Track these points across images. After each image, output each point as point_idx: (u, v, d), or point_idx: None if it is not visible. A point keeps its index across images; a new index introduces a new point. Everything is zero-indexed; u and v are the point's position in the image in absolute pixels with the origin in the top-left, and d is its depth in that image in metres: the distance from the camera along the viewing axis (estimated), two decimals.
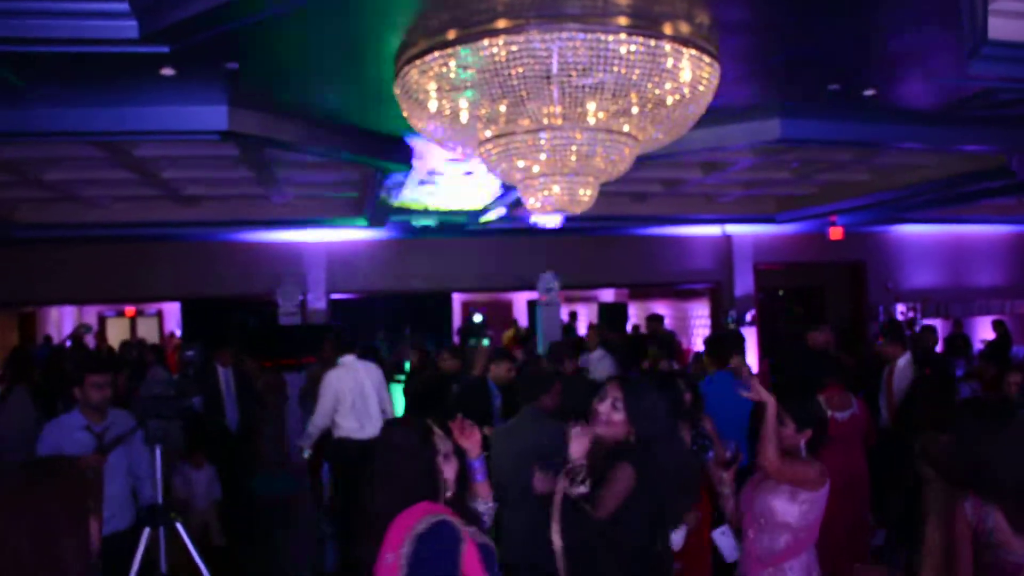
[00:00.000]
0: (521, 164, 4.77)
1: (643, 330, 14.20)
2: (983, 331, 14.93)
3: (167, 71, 4.68)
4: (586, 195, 4.93)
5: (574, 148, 4.59)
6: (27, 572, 1.81)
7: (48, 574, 1.83)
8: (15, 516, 1.85)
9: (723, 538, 4.14)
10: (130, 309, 18.98)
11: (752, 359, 13.28)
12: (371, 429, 7.09)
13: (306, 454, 7.07)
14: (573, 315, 18.01)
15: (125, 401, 8.28)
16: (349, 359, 7.35)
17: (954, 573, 3.18)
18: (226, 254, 13.31)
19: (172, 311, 18.22)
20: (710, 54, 4.35)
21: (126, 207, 10.49)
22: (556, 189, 4.87)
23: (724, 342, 6.52)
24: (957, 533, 3.17)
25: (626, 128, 4.61)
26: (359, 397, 7.16)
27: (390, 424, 3.29)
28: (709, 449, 4.80)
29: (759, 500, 3.71)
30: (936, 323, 14.92)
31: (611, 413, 3.51)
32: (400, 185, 8.96)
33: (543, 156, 4.64)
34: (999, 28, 4.63)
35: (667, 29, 4.07)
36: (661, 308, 17.66)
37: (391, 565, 2.63)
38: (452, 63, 4.25)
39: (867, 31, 4.70)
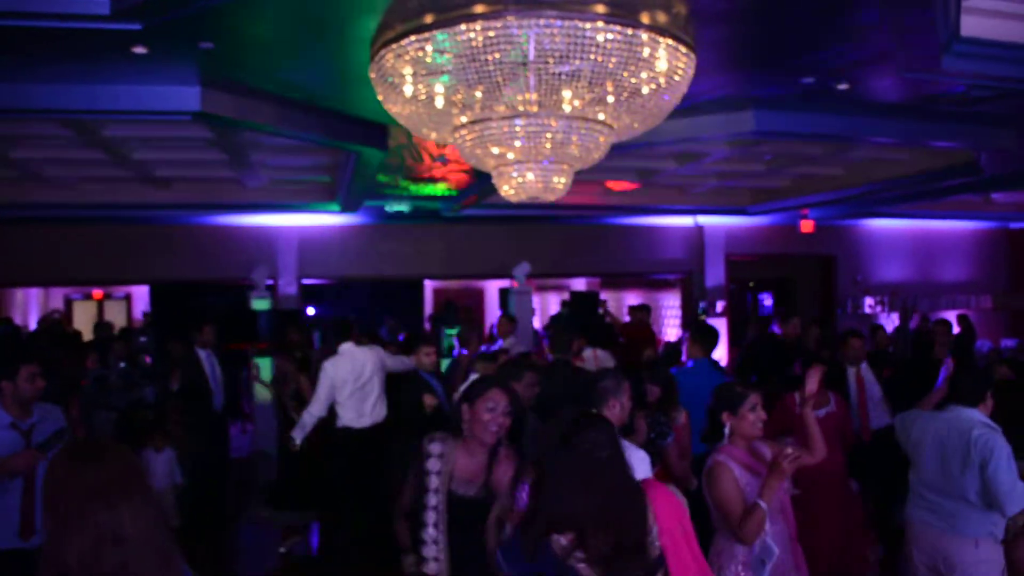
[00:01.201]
0: (496, 151, 4.75)
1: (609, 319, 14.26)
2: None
3: (139, 49, 4.61)
4: (560, 183, 4.93)
5: (549, 135, 4.58)
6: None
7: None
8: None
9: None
10: (98, 292, 18.73)
11: (722, 350, 13.38)
12: (369, 419, 7.07)
13: (297, 442, 6.91)
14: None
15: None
16: (348, 347, 7.21)
17: None
18: (196, 238, 13.19)
19: (141, 295, 18.01)
20: (686, 44, 4.35)
21: (95, 188, 10.35)
22: (530, 176, 4.86)
23: (711, 331, 6.59)
24: None
25: (601, 117, 4.60)
26: (357, 386, 7.04)
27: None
28: (668, 435, 4.83)
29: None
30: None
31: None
32: None
33: (518, 143, 4.62)
34: (972, 26, 4.69)
35: (644, 18, 4.06)
36: (632, 298, 17.73)
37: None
38: (428, 47, 4.23)
39: (841, 25, 4.73)
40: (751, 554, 3.71)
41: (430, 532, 3.44)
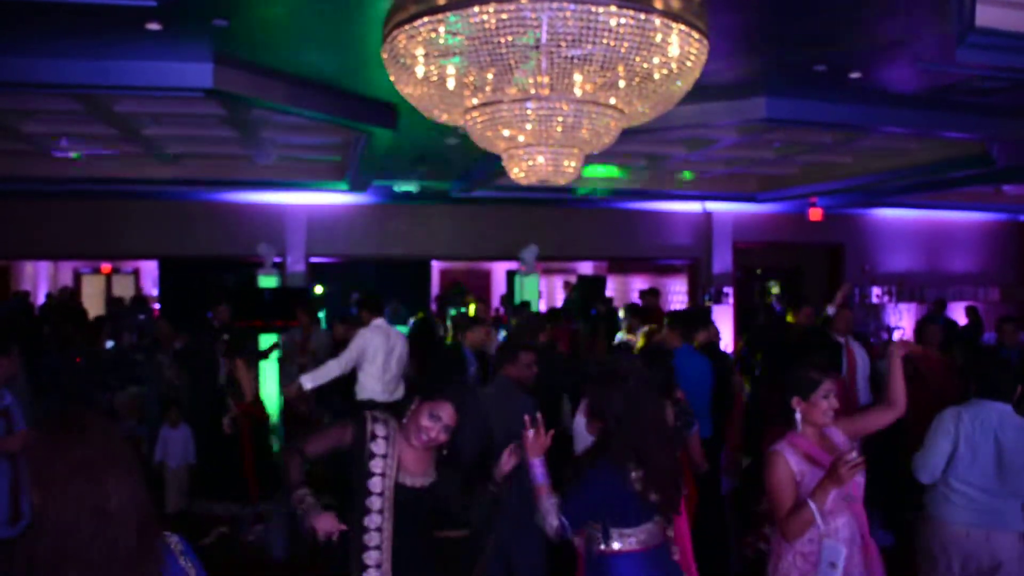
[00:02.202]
0: (506, 133, 4.76)
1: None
2: (956, 317, 15.11)
3: (153, 26, 4.62)
4: (571, 166, 4.94)
5: (560, 119, 4.58)
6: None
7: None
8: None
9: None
10: (106, 266, 18.81)
11: (727, 337, 13.40)
12: (391, 396, 7.07)
13: (308, 386, 6.78)
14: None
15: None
16: (380, 322, 7.23)
17: None
18: (206, 214, 13.25)
19: (149, 269, 18.08)
20: (699, 30, 4.34)
21: (106, 163, 10.37)
22: (540, 160, 4.87)
23: (692, 317, 6.59)
24: None
25: (612, 101, 4.60)
26: (387, 360, 7.06)
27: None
28: (693, 424, 4.84)
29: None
30: (911, 307, 15.15)
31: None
32: None
33: (529, 126, 4.63)
34: (987, 16, 4.66)
35: (657, 3, 4.05)
36: (639, 282, 17.73)
37: None
38: (441, 29, 4.23)
39: (855, 14, 4.71)
40: (817, 554, 3.47)
41: (374, 519, 3.24)
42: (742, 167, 11.56)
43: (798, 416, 3.60)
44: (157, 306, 15.42)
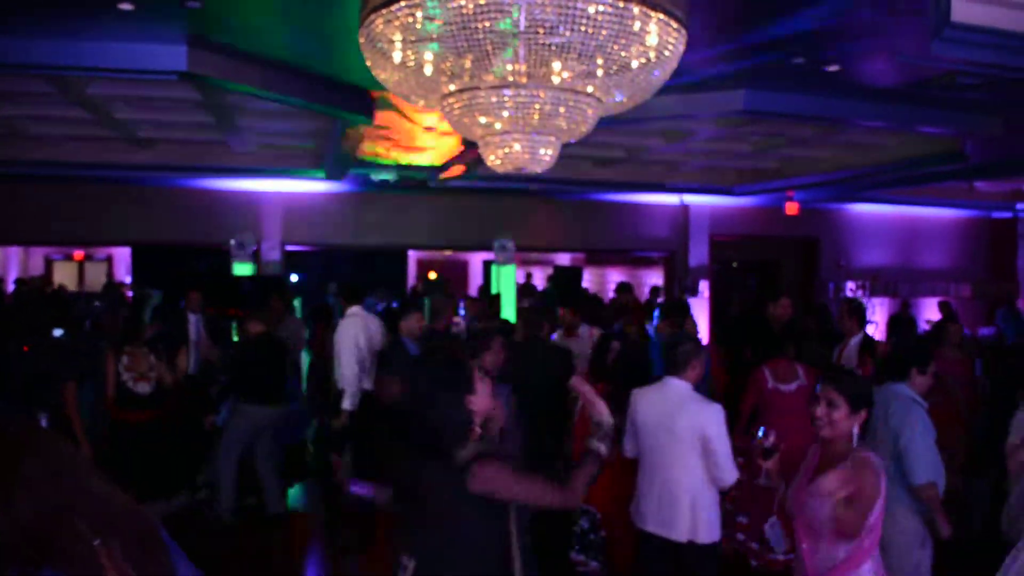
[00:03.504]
0: (483, 120, 4.73)
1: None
2: (928, 312, 15.26)
3: (125, 5, 4.55)
4: (547, 154, 4.92)
5: (537, 107, 4.56)
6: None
7: None
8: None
9: (772, 530, 3.87)
10: (79, 253, 18.60)
11: (703, 328, 13.44)
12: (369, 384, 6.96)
13: (349, 408, 6.67)
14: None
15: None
16: (355, 310, 7.14)
17: None
18: (180, 200, 13.11)
19: (123, 256, 17.90)
20: (678, 19, 4.33)
21: (78, 147, 10.25)
22: (517, 147, 4.85)
23: (679, 307, 6.62)
24: None
25: (590, 90, 4.58)
26: (369, 350, 6.95)
27: None
28: None
29: (811, 504, 3.29)
30: (884, 302, 15.28)
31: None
32: None
33: (506, 113, 4.60)
34: (963, 12, 4.69)
35: None
36: (616, 275, 17.76)
37: None
38: (418, 14, 4.19)
39: (833, 6, 4.72)
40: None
41: None
42: (720, 160, 11.59)
43: None
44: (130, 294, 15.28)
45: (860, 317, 7.02)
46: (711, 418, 4.30)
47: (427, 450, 2.93)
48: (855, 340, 6.84)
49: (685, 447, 4.33)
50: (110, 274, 18.27)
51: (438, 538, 2.92)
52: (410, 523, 3.00)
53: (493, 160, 4.97)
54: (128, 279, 16.76)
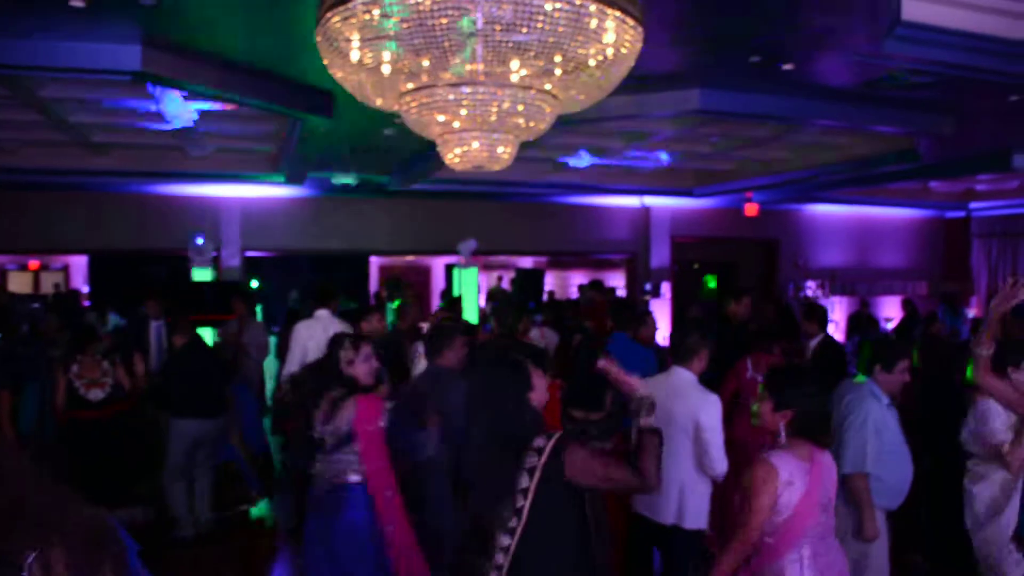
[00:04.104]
0: (441, 118, 4.72)
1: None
2: (886, 310, 15.51)
3: (76, 2, 4.48)
4: (505, 152, 4.92)
5: (495, 106, 4.56)
6: None
7: None
8: None
9: None
10: (34, 263, 18.26)
11: (664, 330, 13.53)
12: None
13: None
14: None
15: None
16: (323, 313, 7.06)
17: None
18: (137, 207, 12.94)
19: (79, 266, 17.60)
20: (634, 17, 4.36)
21: (31, 152, 10.07)
22: (475, 145, 4.85)
23: (630, 307, 6.70)
24: None
25: (548, 87, 4.59)
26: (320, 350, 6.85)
27: None
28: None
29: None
30: (842, 300, 15.49)
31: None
32: None
33: (463, 111, 4.60)
34: (914, 11, 4.77)
35: None
36: (578, 277, 17.82)
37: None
38: (376, 11, 4.17)
39: (786, 4, 4.77)
40: None
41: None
42: (679, 161, 11.66)
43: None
44: (87, 303, 15.05)
45: (820, 319, 7.14)
46: (707, 408, 4.43)
47: (506, 448, 3.07)
48: (815, 341, 6.97)
49: (680, 434, 4.45)
50: (59, 284, 17.95)
51: (531, 532, 3.00)
52: (497, 523, 3.05)
53: (451, 158, 4.97)
54: (85, 288, 16.50)
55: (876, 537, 4.33)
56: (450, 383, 4.61)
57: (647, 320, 6.65)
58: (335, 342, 4.21)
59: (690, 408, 4.45)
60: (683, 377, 4.61)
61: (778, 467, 3.26)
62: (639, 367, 5.63)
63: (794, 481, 3.24)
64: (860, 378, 4.60)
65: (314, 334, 6.81)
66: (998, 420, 4.66)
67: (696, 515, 4.42)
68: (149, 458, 7.20)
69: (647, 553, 4.69)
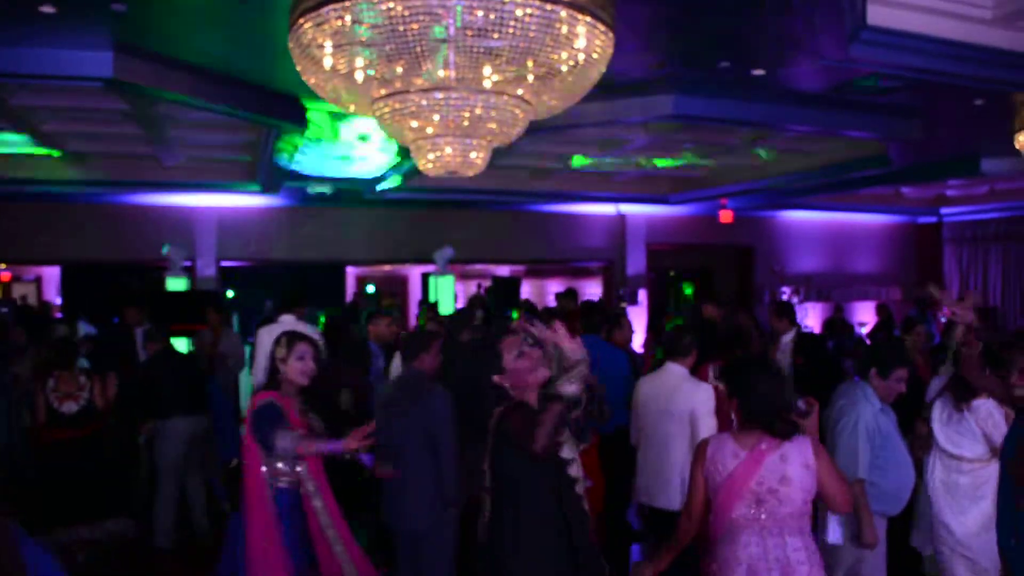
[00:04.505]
0: (414, 124, 4.74)
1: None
2: (860, 315, 15.65)
3: (47, 8, 4.46)
4: (478, 158, 4.94)
5: (467, 112, 4.59)
6: None
7: None
8: None
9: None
10: (5, 274, 18.08)
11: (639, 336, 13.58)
12: None
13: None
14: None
15: None
16: (288, 318, 7.03)
17: None
18: (111, 217, 12.84)
19: (52, 277, 17.45)
20: (605, 23, 4.40)
21: (3, 162, 9.99)
22: (448, 151, 4.87)
23: (600, 310, 6.77)
24: None
25: (520, 92, 4.62)
26: None
27: None
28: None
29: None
30: (817, 306, 15.62)
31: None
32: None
33: (436, 117, 4.62)
34: (879, 16, 4.84)
35: None
36: (555, 286, 17.85)
37: None
38: (347, 17, 4.19)
39: (755, 9, 4.83)
40: None
41: None
42: (654, 169, 11.74)
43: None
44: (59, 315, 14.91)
45: (790, 316, 7.21)
46: (701, 398, 4.81)
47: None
48: (787, 337, 7.03)
49: (678, 424, 4.82)
50: (26, 296, 17.78)
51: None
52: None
53: (425, 164, 4.99)
54: (57, 300, 16.36)
55: (875, 543, 4.30)
56: (425, 387, 4.62)
57: (622, 323, 6.70)
58: (275, 340, 4.17)
59: (685, 398, 4.82)
60: (677, 371, 4.98)
61: (709, 448, 3.38)
62: (611, 368, 5.73)
63: (718, 465, 3.32)
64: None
65: (271, 338, 6.77)
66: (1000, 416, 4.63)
67: None
68: (128, 475, 7.16)
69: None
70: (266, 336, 6.90)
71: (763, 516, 3.29)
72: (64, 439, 6.40)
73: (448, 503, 4.48)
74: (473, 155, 4.94)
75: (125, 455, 7.27)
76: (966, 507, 4.65)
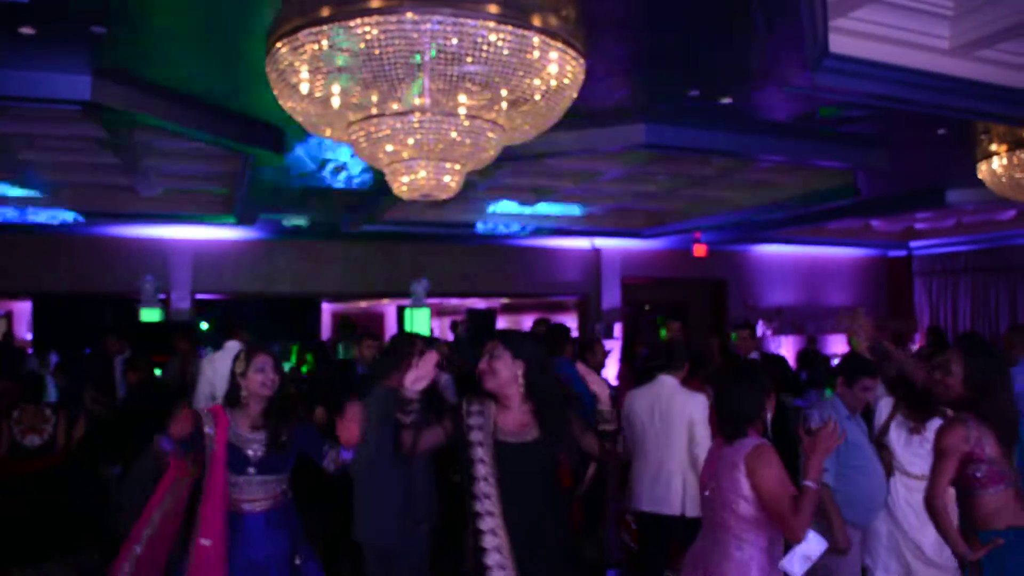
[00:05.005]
0: (389, 148, 4.82)
1: None
2: (833, 347, 15.80)
3: (26, 29, 4.52)
4: (452, 181, 5.02)
5: (442, 134, 4.67)
6: None
7: None
8: None
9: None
10: None
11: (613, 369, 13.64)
12: None
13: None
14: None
15: None
16: (233, 344, 7.05)
17: None
18: (85, 248, 12.79)
19: (23, 312, 17.28)
20: (576, 49, 4.51)
21: None
22: (422, 174, 4.94)
23: (558, 334, 6.95)
24: None
25: (493, 116, 4.72)
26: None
27: None
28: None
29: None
30: (791, 339, 15.76)
31: (491, 363, 3.60)
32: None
33: (411, 141, 4.70)
34: (841, 45, 5.00)
35: (536, 21, 4.21)
36: (531, 320, 17.89)
37: None
38: (324, 42, 4.28)
39: (722, 38, 4.97)
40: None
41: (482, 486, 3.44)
42: (628, 202, 11.88)
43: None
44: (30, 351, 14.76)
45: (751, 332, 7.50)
46: (697, 406, 5.13)
47: None
48: (752, 356, 7.25)
49: (676, 432, 5.11)
50: (10, 331, 17.61)
51: (504, 486, 3.45)
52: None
53: (399, 187, 5.06)
54: (29, 335, 16.20)
55: (848, 547, 4.40)
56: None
57: (595, 348, 6.87)
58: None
59: (683, 408, 5.14)
60: (671, 382, 5.31)
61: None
62: (580, 389, 5.81)
63: None
64: (828, 392, 4.79)
65: (219, 367, 6.80)
66: None
67: (696, 504, 4.69)
68: (98, 508, 7.09)
69: (662, 549, 5.22)
70: (206, 365, 6.94)
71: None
72: (28, 472, 6.37)
73: (419, 519, 4.51)
74: (447, 179, 5.01)
75: (93, 487, 7.19)
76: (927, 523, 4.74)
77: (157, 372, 9.07)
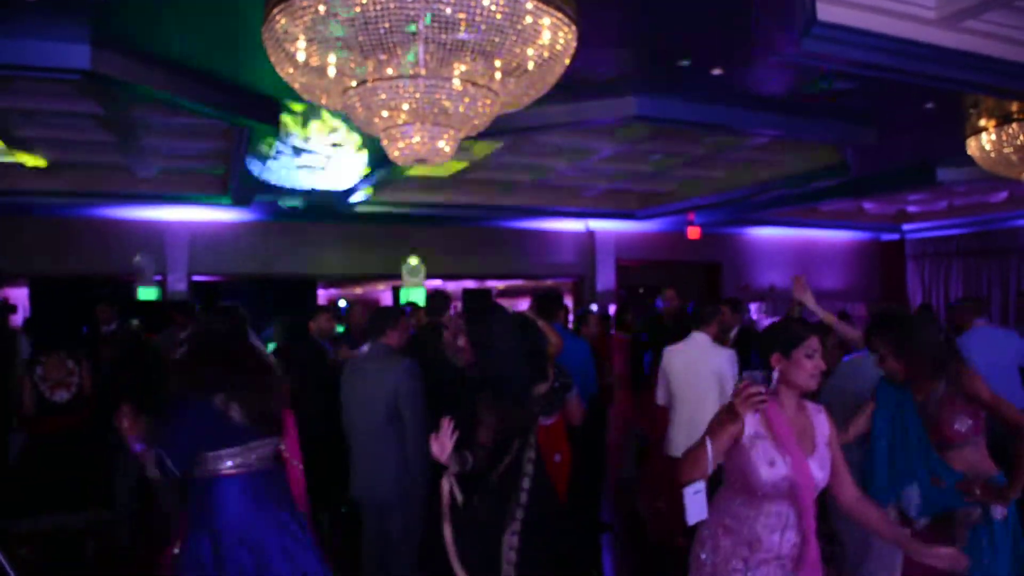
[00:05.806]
0: (385, 114, 4.89)
1: None
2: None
3: None
4: (446, 146, 5.09)
5: (436, 99, 4.74)
6: None
7: None
8: None
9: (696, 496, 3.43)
10: None
11: None
12: None
13: None
14: None
15: None
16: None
17: None
18: (82, 230, 12.85)
19: (20, 298, 17.30)
20: (569, 16, 4.58)
21: None
22: (417, 139, 5.01)
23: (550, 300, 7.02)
24: None
25: (486, 82, 4.78)
26: None
27: None
28: (571, 387, 5.02)
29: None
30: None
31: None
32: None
33: (406, 106, 4.77)
34: (829, 12, 5.07)
35: None
36: (525, 301, 17.98)
37: None
38: (321, 8, 4.33)
39: (709, 4, 5.04)
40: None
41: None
42: (622, 182, 11.97)
43: (775, 376, 3.12)
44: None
45: (739, 312, 7.64)
46: (726, 360, 5.61)
47: None
48: (733, 332, 7.42)
49: (707, 384, 5.55)
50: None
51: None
52: None
53: (394, 153, 5.13)
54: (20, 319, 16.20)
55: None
56: (392, 359, 4.76)
57: (588, 319, 7.05)
58: None
59: (713, 363, 5.59)
60: (703, 339, 5.75)
61: None
62: (574, 354, 5.94)
63: None
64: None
65: None
66: None
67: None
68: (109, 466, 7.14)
69: None
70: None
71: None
72: (60, 429, 6.36)
73: (415, 475, 4.59)
74: (441, 143, 5.09)
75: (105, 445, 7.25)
76: None
77: None
